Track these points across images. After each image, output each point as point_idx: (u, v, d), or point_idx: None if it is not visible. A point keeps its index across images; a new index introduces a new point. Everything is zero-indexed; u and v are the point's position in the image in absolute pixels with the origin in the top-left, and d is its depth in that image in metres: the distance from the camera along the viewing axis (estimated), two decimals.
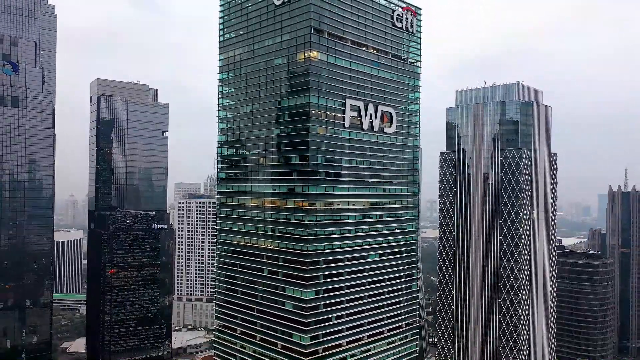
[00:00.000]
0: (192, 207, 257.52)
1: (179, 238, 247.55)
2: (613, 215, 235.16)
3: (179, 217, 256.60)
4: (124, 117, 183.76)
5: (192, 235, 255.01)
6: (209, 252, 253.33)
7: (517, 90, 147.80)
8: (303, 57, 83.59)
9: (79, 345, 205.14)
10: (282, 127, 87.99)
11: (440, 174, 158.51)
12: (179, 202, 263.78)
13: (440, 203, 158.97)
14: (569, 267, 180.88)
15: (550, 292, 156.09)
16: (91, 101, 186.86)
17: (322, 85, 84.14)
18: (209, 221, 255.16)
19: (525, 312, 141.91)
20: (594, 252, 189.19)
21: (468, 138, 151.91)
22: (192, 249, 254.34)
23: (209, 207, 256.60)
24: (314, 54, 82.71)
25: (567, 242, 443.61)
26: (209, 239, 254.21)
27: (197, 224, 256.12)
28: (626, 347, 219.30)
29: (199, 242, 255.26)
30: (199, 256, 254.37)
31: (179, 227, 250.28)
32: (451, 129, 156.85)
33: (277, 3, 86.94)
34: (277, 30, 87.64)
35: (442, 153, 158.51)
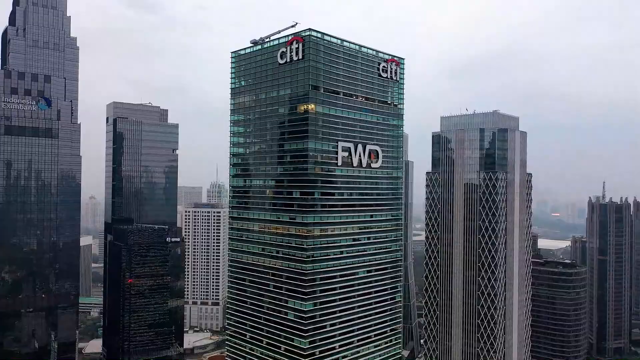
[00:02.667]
0: (199, 216, 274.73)
1: (185, 245, 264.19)
2: (592, 225, 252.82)
3: (186, 225, 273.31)
4: (137, 137, 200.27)
5: (198, 242, 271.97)
6: (214, 259, 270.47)
7: (494, 118, 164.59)
8: (303, 108, 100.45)
9: (93, 346, 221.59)
10: (284, 165, 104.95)
11: (426, 192, 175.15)
12: (186, 211, 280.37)
13: (426, 218, 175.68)
14: (546, 275, 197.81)
15: (525, 299, 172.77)
16: (107, 122, 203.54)
17: (318, 132, 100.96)
18: (214, 229, 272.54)
19: (500, 318, 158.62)
20: (568, 262, 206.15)
21: (451, 160, 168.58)
22: (198, 255, 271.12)
23: (214, 216, 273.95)
24: (311, 106, 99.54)
25: (558, 244, 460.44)
26: (214, 246, 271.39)
27: (203, 232, 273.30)
28: (604, 348, 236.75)
29: (205, 249, 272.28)
30: (204, 262, 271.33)
31: (185, 235, 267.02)
32: (436, 151, 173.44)
33: (281, 62, 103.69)
34: (281, 85, 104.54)
35: (428, 173, 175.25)
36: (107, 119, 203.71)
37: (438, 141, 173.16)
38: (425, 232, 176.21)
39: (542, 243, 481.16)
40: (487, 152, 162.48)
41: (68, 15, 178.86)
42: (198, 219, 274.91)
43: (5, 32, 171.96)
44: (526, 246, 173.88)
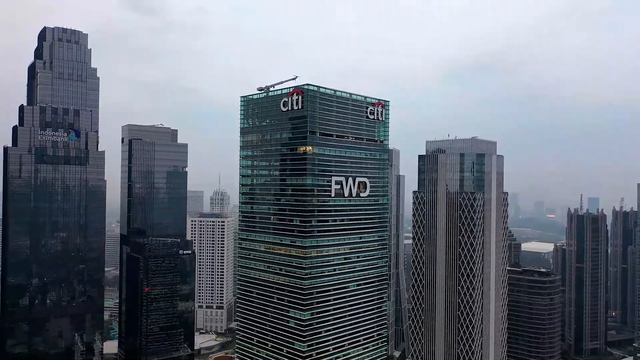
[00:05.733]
0: (204, 225, 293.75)
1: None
2: (571, 233, 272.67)
3: (192, 233, 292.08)
4: (150, 157, 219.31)
5: (203, 249, 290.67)
6: (219, 265, 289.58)
7: (473, 144, 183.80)
8: (302, 150, 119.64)
9: (107, 347, 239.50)
10: (286, 197, 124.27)
11: (413, 209, 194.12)
12: (192, 221, 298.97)
13: (413, 232, 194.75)
14: (524, 283, 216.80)
15: (502, 306, 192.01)
16: (122, 142, 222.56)
17: (315, 169, 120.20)
18: (219, 237, 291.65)
19: (478, 322, 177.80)
20: (544, 270, 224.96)
21: (435, 181, 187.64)
22: (203, 262, 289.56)
23: (219, 225, 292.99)
24: (309, 148, 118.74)
25: (549, 247, 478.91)
26: (219, 253, 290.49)
27: (208, 240, 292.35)
28: (581, 348, 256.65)
29: (210, 256, 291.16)
30: (209, 268, 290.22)
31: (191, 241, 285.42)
32: (422, 172, 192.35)
33: (284, 109, 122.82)
34: (284, 128, 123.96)
35: (414, 192, 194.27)
36: (123, 139, 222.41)
37: (423, 163, 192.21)
38: (412, 245, 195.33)
39: (533, 246, 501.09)
40: (467, 175, 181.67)
41: (89, 47, 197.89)
42: (203, 228, 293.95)
43: (32, 66, 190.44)
44: (503, 257, 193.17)
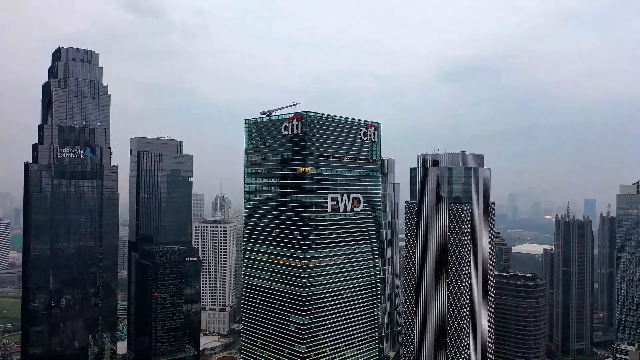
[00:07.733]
0: (207, 230, 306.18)
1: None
2: (558, 239, 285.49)
3: (195, 237, 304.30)
4: (157, 168, 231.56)
5: (206, 254, 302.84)
6: (221, 269, 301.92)
7: (461, 158, 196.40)
8: (301, 170, 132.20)
9: (117, 348, 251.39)
10: (287, 213, 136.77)
11: (405, 218, 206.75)
12: (195, 226, 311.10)
13: (405, 241, 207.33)
14: (511, 287, 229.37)
15: (489, 309, 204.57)
16: (131, 154, 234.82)
17: (313, 188, 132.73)
18: (221, 242, 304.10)
19: (466, 325, 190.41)
20: (529, 275, 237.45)
21: (425, 192, 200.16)
22: (206, 266, 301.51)
23: (221, 230, 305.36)
24: (308, 169, 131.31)
25: (540, 250, 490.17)
26: (221, 257, 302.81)
27: (211, 245, 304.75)
28: (568, 349, 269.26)
29: (213, 260, 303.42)
30: (212, 272, 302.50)
31: (195, 246, 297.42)
32: (414, 184, 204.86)
33: (284, 133, 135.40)
34: (284, 150, 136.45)
35: (407, 202, 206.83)
36: (131, 151, 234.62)
37: (415, 175, 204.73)
38: (405, 252, 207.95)
39: (527, 248, 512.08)
40: (455, 187, 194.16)
41: (100, 66, 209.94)
42: (207, 233, 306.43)
43: (47, 84, 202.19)
44: (490, 263, 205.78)
